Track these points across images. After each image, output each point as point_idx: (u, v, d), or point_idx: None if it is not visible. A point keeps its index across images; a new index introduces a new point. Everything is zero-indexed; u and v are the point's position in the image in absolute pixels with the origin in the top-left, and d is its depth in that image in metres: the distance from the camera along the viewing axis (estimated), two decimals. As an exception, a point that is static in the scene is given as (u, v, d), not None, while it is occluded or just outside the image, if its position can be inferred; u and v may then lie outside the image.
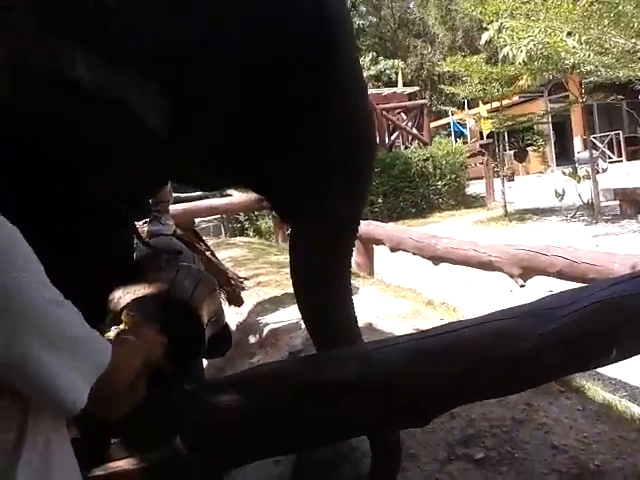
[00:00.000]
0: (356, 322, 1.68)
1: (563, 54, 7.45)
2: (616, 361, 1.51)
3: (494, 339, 1.45)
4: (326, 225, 1.49)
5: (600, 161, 14.28)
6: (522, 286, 3.35)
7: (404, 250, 4.49)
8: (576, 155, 18.22)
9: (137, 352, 0.92)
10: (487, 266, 3.54)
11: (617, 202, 9.52)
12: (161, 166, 1.49)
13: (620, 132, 18.71)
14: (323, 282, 1.56)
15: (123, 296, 1.41)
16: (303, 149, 1.41)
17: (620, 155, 18.50)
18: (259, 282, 4.22)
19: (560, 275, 2.99)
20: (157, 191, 1.96)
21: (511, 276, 3.38)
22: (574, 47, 7.35)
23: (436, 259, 4.11)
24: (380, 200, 11.98)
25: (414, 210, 12.49)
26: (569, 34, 7.39)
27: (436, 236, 4.23)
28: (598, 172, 9.99)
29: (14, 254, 0.70)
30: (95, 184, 1.42)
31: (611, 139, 18.63)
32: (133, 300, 1.38)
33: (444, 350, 1.43)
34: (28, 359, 0.67)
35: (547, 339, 1.42)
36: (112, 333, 1.13)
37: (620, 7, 6.25)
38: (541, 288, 3.95)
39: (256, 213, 10.45)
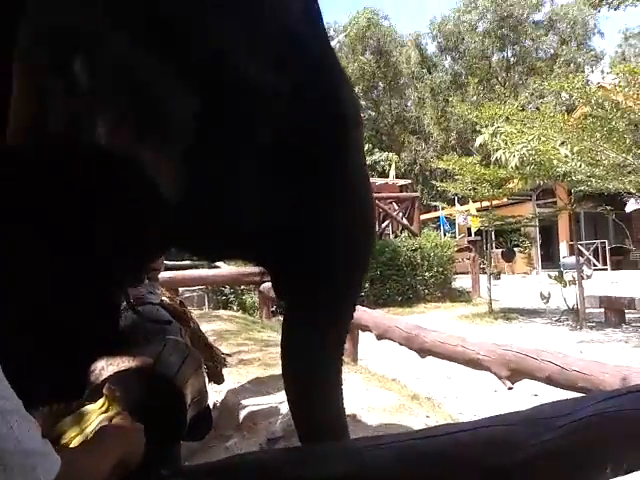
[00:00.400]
0: (344, 414, 1.62)
1: (555, 162, 7.73)
2: (610, 477, 1.45)
3: (489, 447, 1.39)
4: (322, 309, 1.46)
5: (585, 268, 14.49)
6: (510, 388, 3.27)
7: (390, 339, 4.41)
8: (562, 260, 18.58)
9: (106, 458, 0.84)
10: (475, 364, 3.47)
11: (602, 310, 9.56)
12: (168, 231, 1.48)
13: (606, 241, 19.17)
14: (314, 367, 1.51)
15: (106, 367, 1.34)
16: (309, 235, 1.42)
17: (605, 264, 18.86)
18: (242, 359, 4.10)
19: (549, 381, 2.93)
20: (158, 257, 1.93)
21: (499, 377, 3.31)
22: (566, 156, 7.64)
23: (423, 352, 4.04)
24: (367, 285, 11.97)
25: (400, 298, 12.46)
26: (562, 143, 7.71)
27: (425, 329, 4.18)
28: (583, 278, 10.10)
29: None
30: (102, 244, 1.39)
31: (597, 247, 19.05)
32: (116, 373, 1.31)
33: (441, 454, 1.37)
34: None
35: (542, 450, 1.37)
36: (94, 421, 1.05)
37: (613, 123, 6.57)
38: (526, 391, 3.87)
39: (242, 287, 10.38)
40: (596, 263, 18.62)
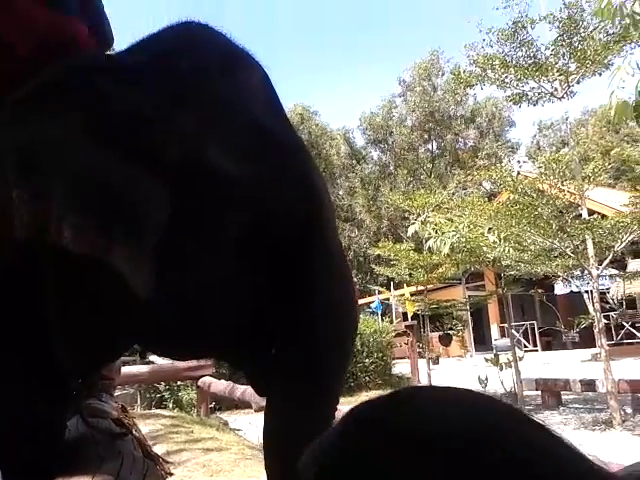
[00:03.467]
0: None
1: (485, 248, 8.10)
2: None
3: None
4: (307, 401, 1.40)
5: (517, 349, 14.87)
6: None
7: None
8: (494, 342, 19.00)
9: None
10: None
11: (539, 392, 9.74)
12: (134, 330, 1.41)
13: (535, 322, 19.84)
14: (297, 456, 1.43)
15: (59, 492, 1.21)
16: (287, 325, 1.39)
17: (535, 345, 19.43)
18: (186, 466, 3.83)
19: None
20: (111, 362, 1.81)
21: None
22: (494, 242, 8.03)
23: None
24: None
25: (340, 388, 12.25)
26: (489, 230, 8.12)
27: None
28: (519, 360, 10.34)
29: None
30: (59, 347, 1.30)
31: (526, 328, 19.67)
32: (72, 498, 1.18)
33: None
34: None
35: None
36: None
37: (539, 209, 7.00)
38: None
39: (178, 383, 9.91)
40: (527, 344, 19.16)
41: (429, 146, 28.82)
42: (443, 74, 27.47)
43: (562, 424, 7.75)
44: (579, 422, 7.78)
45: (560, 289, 15.45)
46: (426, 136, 27.98)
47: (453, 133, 27.20)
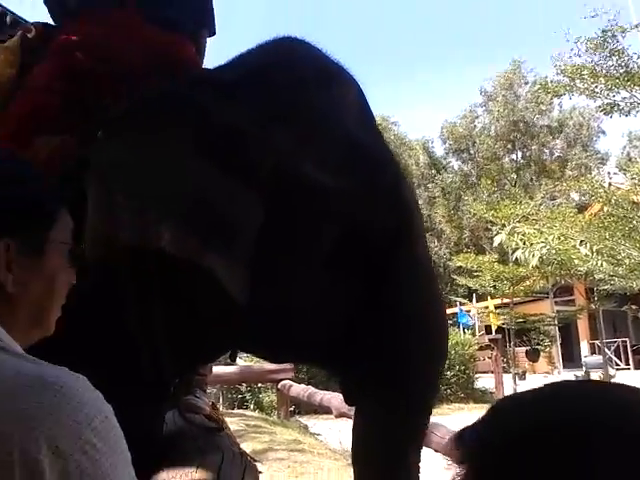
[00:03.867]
0: None
1: (576, 261, 7.75)
2: None
3: None
4: (396, 411, 1.41)
5: (608, 367, 14.06)
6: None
7: (426, 446, 4.18)
8: (584, 359, 18.03)
9: None
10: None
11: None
12: (232, 334, 1.46)
13: (627, 340, 18.69)
14: (387, 471, 1.43)
15: (167, 480, 1.28)
16: (378, 332, 1.41)
17: (627, 363, 18.28)
18: (270, 466, 3.91)
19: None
20: (209, 362, 1.89)
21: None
22: (586, 255, 7.66)
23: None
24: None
25: (421, 400, 12.03)
26: (581, 242, 7.76)
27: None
28: (611, 377, 9.79)
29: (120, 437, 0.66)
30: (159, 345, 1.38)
31: (618, 346, 18.55)
32: (179, 487, 1.25)
33: None
34: None
35: None
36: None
37: (634, 222, 6.63)
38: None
39: (259, 385, 10.10)
40: (619, 362, 18.07)
41: (513, 156, 27.94)
42: (526, 83, 26.62)
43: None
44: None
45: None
46: (510, 146, 27.15)
47: (539, 143, 26.25)
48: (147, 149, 1.31)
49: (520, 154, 27.67)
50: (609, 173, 12.75)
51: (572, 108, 26.60)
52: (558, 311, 15.41)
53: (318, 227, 1.39)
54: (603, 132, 28.04)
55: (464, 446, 0.51)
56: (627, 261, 7.41)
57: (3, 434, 0.59)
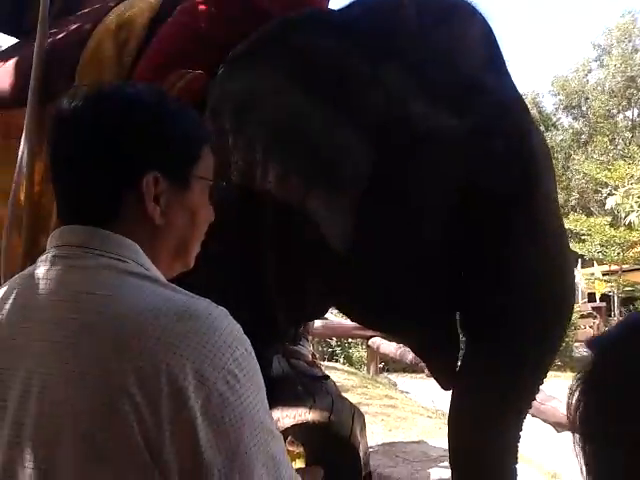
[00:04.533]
0: None
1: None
2: None
3: None
4: (508, 374, 1.35)
5: None
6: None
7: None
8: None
9: None
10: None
11: None
12: (332, 291, 1.45)
13: None
14: (489, 432, 1.38)
15: (282, 419, 1.30)
16: (495, 284, 1.34)
17: None
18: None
19: None
20: (315, 317, 1.91)
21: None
22: None
23: (560, 426, 3.69)
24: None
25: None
26: None
27: (562, 400, 3.84)
28: None
29: (258, 371, 0.67)
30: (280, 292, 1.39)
31: None
32: (293, 426, 1.27)
33: None
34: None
35: None
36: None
37: None
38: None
39: (350, 340, 10.24)
40: None
41: (628, 113, 25.74)
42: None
43: None
44: None
45: None
46: (625, 103, 25.00)
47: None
48: (257, 85, 1.29)
49: (637, 112, 25.50)
50: None
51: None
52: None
53: (433, 176, 1.32)
54: None
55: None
56: None
57: (152, 360, 0.60)
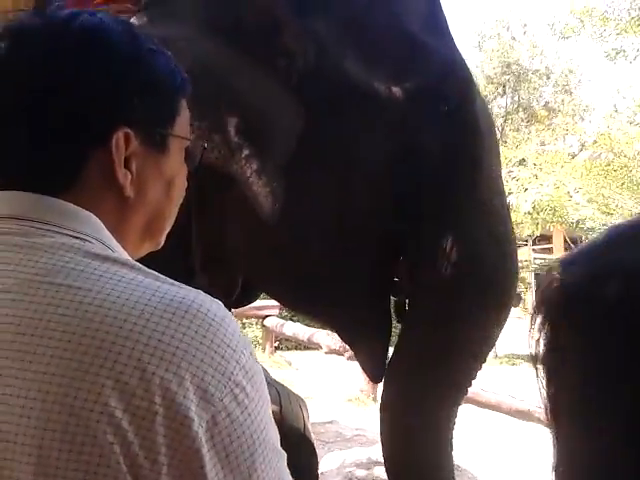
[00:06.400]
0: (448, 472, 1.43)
1: (569, 209, 7.75)
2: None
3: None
4: (440, 328, 1.31)
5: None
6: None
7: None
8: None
9: None
10: (526, 416, 3.31)
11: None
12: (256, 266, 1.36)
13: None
14: (419, 404, 1.35)
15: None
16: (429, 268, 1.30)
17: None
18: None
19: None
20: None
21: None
22: (577, 203, 7.66)
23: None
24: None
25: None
26: (575, 190, 7.73)
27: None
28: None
29: (263, 378, 0.55)
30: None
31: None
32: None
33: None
34: None
35: None
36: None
37: (633, 172, 6.61)
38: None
39: (244, 320, 10.14)
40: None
41: (504, 100, 27.58)
42: (525, 25, 26.02)
43: None
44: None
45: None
46: (501, 90, 26.72)
47: (530, 88, 25.86)
48: (174, 35, 1.14)
49: (509, 99, 27.36)
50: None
51: (560, 54, 26.26)
52: (535, 259, 15.63)
53: (367, 141, 1.23)
54: (590, 81, 27.83)
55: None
56: (619, 211, 7.44)
57: (141, 373, 0.46)
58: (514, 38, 26.35)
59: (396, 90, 1.24)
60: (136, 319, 0.47)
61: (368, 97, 1.23)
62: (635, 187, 6.74)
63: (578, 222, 8.15)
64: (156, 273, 0.54)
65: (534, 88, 26.14)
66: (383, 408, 1.40)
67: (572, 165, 7.32)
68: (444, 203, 1.31)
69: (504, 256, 1.39)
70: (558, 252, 11.32)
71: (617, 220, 7.63)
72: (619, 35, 7.63)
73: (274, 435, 0.55)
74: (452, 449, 1.41)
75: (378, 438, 1.42)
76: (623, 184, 6.76)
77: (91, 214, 0.56)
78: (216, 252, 1.28)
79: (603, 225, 7.87)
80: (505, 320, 1.45)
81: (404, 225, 1.30)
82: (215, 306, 0.52)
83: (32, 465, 0.44)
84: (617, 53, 7.92)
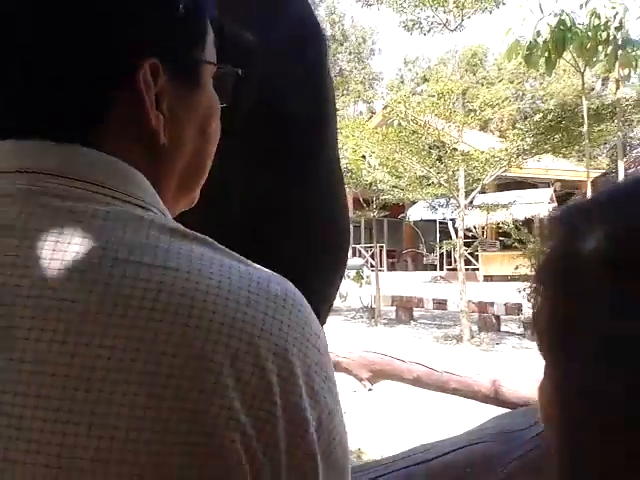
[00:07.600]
0: None
1: (364, 172, 8.31)
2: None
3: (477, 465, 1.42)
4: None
5: (365, 269, 15.83)
6: (370, 390, 3.38)
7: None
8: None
9: None
10: (335, 367, 3.51)
11: (393, 308, 10.51)
12: None
13: (384, 245, 21.22)
14: None
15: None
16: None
17: (381, 265, 20.84)
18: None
19: (416, 382, 3.07)
20: None
21: (359, 379, 3.39)
22: (370, 166, 8.26)
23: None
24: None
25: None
26: (368, 154, 8.31)
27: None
28: (363, 278, 11.02)
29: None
30: None
31: (374, 251, 21.01)
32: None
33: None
34: None
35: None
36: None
37: (422, 139, 7.27)
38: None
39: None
40: (374, 264, 20.51)
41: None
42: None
43: (416, 338, 8.49)
44: (431, 337, 8.57)
45: (415, 216, 16.55)
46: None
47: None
48: None
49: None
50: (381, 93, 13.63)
51: (357, 24, 27.73)
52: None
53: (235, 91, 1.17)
54: (379, 51, 29.96)
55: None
56: (407, 174, 8.18)
57: (261, 372, 0.38)
58: (314, 3, 27.18)
59: (253, 48, 1.16)
60: (245, 308, 0.38)
61: (225, 54, 1.13)
62: (423, 153, 7.43)
63: (371, 184, 8.77)
64: (221, 247, 0.43)
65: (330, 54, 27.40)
66: None
67: (368, 130, 7.80)
68: (291, 162, 1.28)
69: (340, 215, 1.43)
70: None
71: (405, 184, 8.39)
72: (417, 7, 8.19)
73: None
74: None
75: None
76: (411, 150, 7.40)
77: (136, 171, 0.44)
78: None
79: (393, 187, 8.60)
80: (339, 284, 1.50)
81: (253, 188, 1.24)
82: (291, 287, 0.44)
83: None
84: (414, 24, 8.49)
